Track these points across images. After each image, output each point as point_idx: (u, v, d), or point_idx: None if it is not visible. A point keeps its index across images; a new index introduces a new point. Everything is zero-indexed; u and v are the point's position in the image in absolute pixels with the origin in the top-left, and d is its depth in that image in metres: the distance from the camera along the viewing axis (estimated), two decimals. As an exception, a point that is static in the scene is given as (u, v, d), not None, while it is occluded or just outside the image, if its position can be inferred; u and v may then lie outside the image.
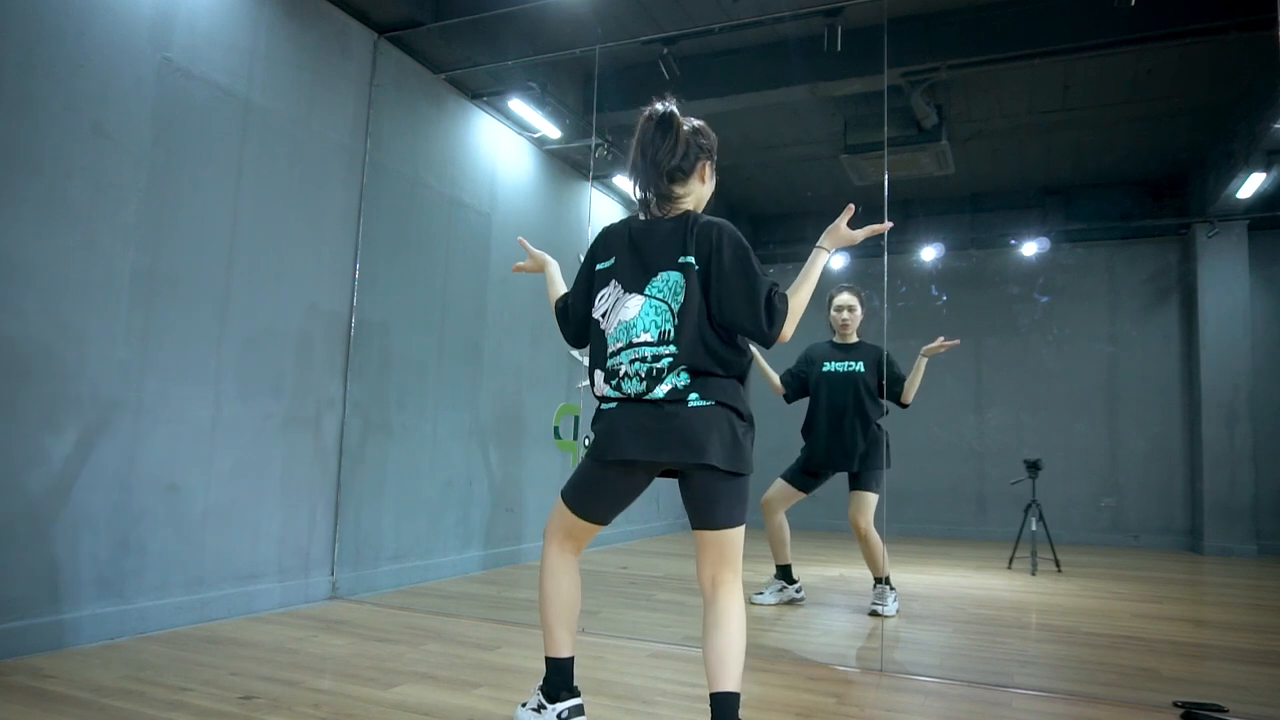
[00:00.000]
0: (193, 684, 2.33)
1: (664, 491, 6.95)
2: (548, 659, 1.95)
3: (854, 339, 3.92)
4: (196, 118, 3.15)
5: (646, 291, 1.84)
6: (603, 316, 1.90)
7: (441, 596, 3.88)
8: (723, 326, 1.80)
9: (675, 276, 1.82)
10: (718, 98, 4.84)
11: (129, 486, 2.87)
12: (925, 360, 3.73)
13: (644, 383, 1.79)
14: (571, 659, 1.95)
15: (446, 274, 4.53)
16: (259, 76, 3.42)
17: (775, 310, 1.78)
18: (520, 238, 2.41)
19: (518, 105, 4.82)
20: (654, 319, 1.82)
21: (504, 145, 5.07)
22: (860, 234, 1.98)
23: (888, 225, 2.02)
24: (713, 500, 1.79)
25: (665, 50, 4.30)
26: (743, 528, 1.82)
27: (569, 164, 5.75)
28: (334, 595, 3.72)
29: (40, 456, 2.61)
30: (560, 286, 2.17)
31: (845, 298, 3.90)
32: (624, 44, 4.41)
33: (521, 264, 2.34)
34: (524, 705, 1.97)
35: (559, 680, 1.93)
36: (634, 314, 1.84)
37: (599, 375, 1.89)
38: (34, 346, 2.60)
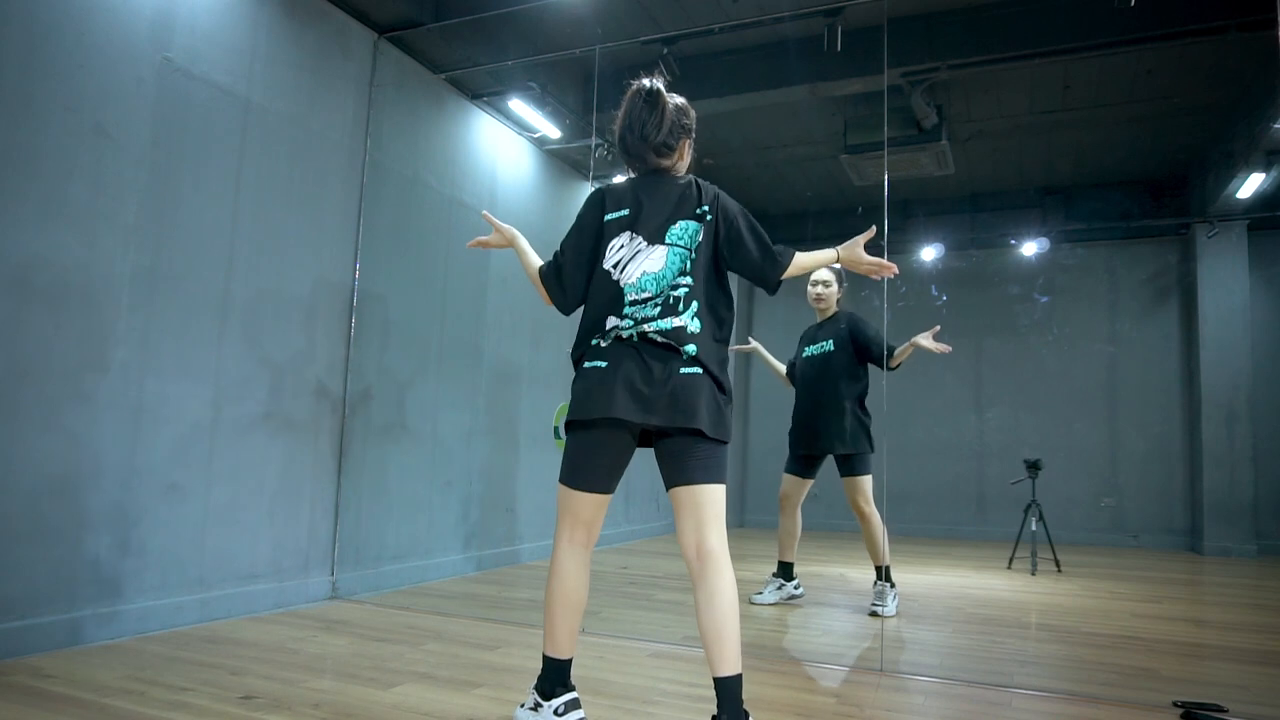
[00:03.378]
0: (193, 684, 2.33)
1: (664, 491, 6.94)
2: (546, 658, 1.93)
3: (830, 312, 3.92)
4: (196, 118, 3.15)
5: (667, 240, 1.93)
6: (615, 266, 1.93)
7: (441, 596, 3.88)
8: (730, 271, 1.96)
9: (693, 225, 1.93)
10: (718, 98, 4.84)
11: (129, 486, 2.87)
12: (913, 348, 3.70)
13: (658, 308, 1.87)
14: (570, 660, 1.94)
15: (446, 274, 4.53)
16: (259, 76, 3.42)
17: (781, 254, 1.95)
18: (484, 212, 2.32)
19: (518, 105, 4.82)
20: (678, 266, 1.91)
21: (504, 145, 5.07)
22: (867, 262, 2.04)
23: (893, 269, 2.05)
24: (693, 454, 1.84)
25: (665, 50, 4.30)
26: (723, 488, 1.86)
27: (569, 164, 5.75)
28: (334, 595, 3.72)
29: (40, 456, 2.61)
30: (535, 257, 2.14)
31: (821, 272, 3.90)
32: (624, 44, 4.41)
33: (484, 238, 2.23)
34: (522, 705, 1.97)
35: (555, 677, 1.93)
36: (660, 265, 1.91)
37: (612, 319, 1.90)
38: (34, 346, 2.60)
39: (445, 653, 2.78)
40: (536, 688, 1.94)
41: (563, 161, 5.68)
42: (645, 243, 1.92)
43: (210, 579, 3.16)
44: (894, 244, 7.12)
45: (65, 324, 2.69)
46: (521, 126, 5.12)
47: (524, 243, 2.20)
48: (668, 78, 2.00)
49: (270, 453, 3.43)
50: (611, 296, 1.91)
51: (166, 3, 3.04)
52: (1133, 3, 3.65)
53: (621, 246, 1.93)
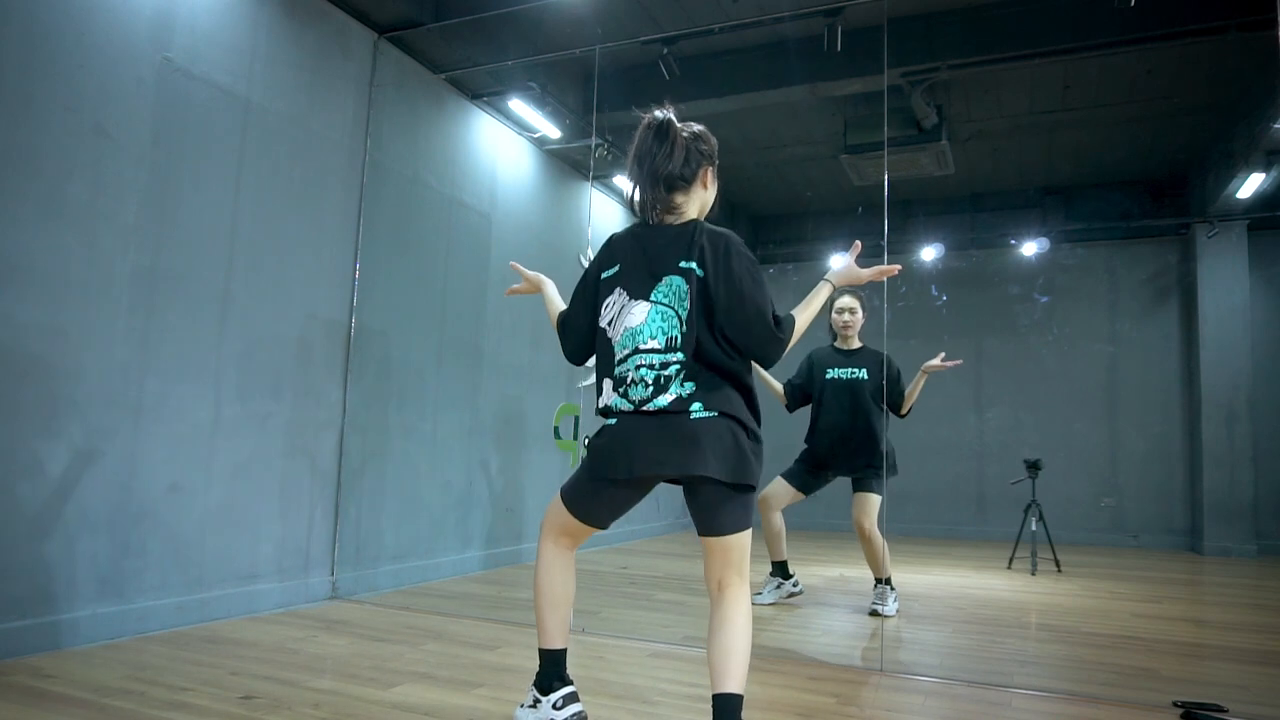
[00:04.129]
0: (193, 684, 2.33)
1: (664, 491, 6.94)
2: (541, 651, 1.96)
3: (856, 343, 3.91)
4: (196, 118, 3.15)
5: (652, 298, 1.83)
6: (609, 324, 1.89)
7: (441, 596, 3.88)
8: (725, 339, 1.80)
9: (678, 282, 1.81)
10: (718, 98, 4.84)
11: (129, 487, 2.87)
12: (925, 377, 3.70)
13: (650, 389, 1.78)
14: (564, 650, 1.96)
15: (447, 274, 4.53)
16: (259, 76, 3.42)
17: (783, 330, 1.80)
18: (513, 262, 2.38)
19: (518, 105, 4.82)
20: (660, 325, 1.80)
21: (504, 145, 5.07)
22: (868, 274, 1.99)
23: (896, 268, 2.02)
24: (716, 507, 1.78)
25: (665, 50, 4.30)
26: (749, 532, 1.82)
27: (569, 164, 5.75)
28: (334, 595, 3.72)
29: (40, 457, 2.61)
30: (559, 303, 2.14)
31: (846, 300, 3.89)
32: (624, 44, 4.41)
33: (516, 286, 2.31)
34: (522, 705, 1.98)
35: (551, 671, 1.95)
36: (640, 320, 1.82)
37: (608, 384, 1.87)
38: (34, 346, 2.60)
39: (445, 653, 2.78)
40: (535, 684, 1.96)
41: (563, 161, 5.68)
42: (629, 298, 1.86)
43: (210, 579, 3.16)
44: (894, 244, 7.13)
45: (65, 324, 2.69)
46: (521, 126, 5.12)
47: (550, 289, 2.21)
48: (679, 106, 1.93)
49: (270, 452, 3.43)
50: (606, 354, 1.89)
51: (166, 3, 3.04)
52: (1133, 3, 3.65)
53: (613, 304, 1.89)
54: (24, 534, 2.57)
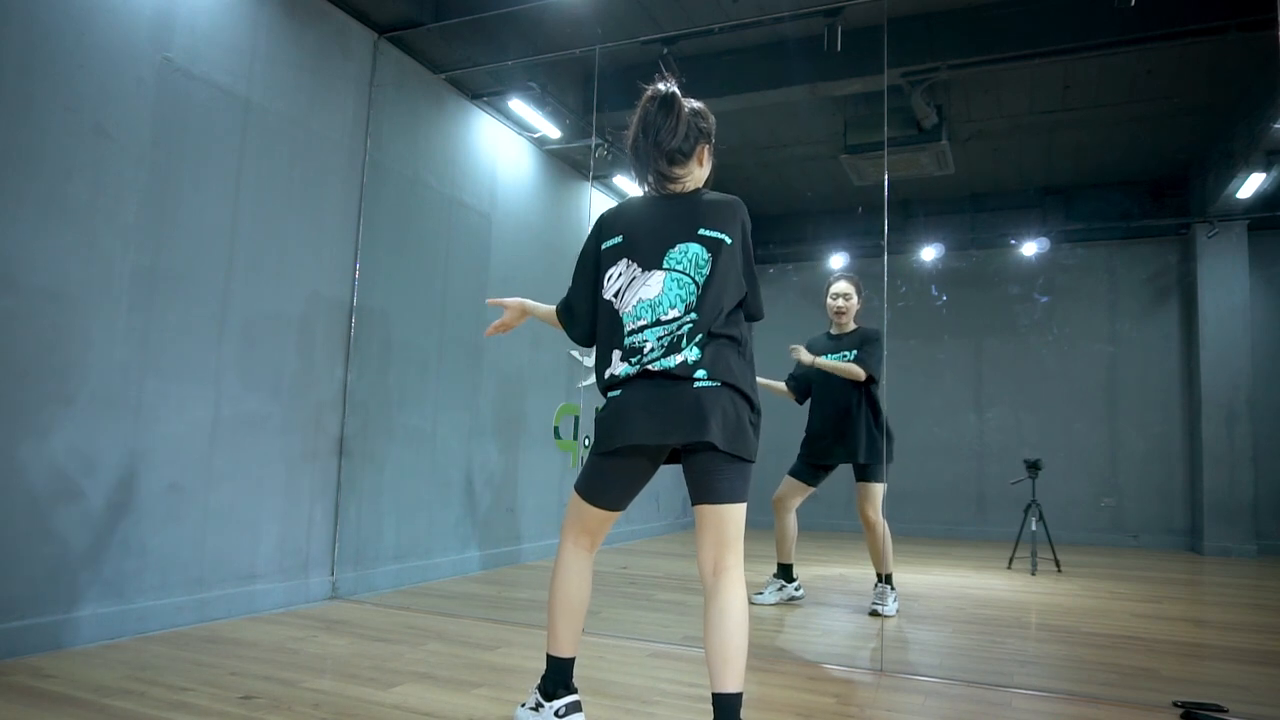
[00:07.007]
0: (193, 684, 2.33)
1: (664, 491, 6.95)
2: (549, 657, 1.94)
3: (850, 327, 3.91)
4: (196, 118, 3.15)
5: (665, 265, 1.85)
6: (615, 295, 1.89)
7: (441, 596, 3.88)
8: (737, 305, 1.87)
9: (696, 249, 1.84)
10: (717, 98, 4.84)
11: (129, 486, 2.87)
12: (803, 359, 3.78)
13: (660, 351, 1.80)
14: (572, 660, 1.95)
15: (446, 274, 4.54)
16: (259, 76, 3.42)
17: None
18: (489, 299, 2.31)
19: (518, 105, 4.82)
20: (678, 293, 1.82)
21: (504, 145, 5.07)
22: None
23: None
24: (713, 474, 1.78)
25: (665, 50, 4.30)
26: (744, 506, 1.81)
27: (569, 164, 5.75)
28: (334, 595, 3.72)
29: (40, 456, 2.61)
30: (546, 305, 2.16)
31: (840, 285, 3.90)
32: (624, 44, 4.41)
33: (502, 320, 2.23)
34: (523, 705, 1.97)
35: (557, 678, 1.93)
36: (657, 291, 1.83)
37: (615, 355, 1.87)
38: (34, 346, 2.60)
39: (445, 653, 2.78)
40: (539, 687, 1.95)
41: (563, 161, 5.68)
42: (640, 269, 1.86)
43: (210, 579, 3.16)
44: (894, 244, 7.14)
45: (65, 324, 2.69)
46: (521, 126, 5.12)
47: (533, 303, 2.19)
48: (681, 79, 1.95)
49: (270, 452, 3.43)
50: (613, 327, 1.88)
51: (166, 3, 3.04)
52: (1133, 3, 3.65)
53: (619, 275, 1.89)
54: (24, 534, 2.57)
